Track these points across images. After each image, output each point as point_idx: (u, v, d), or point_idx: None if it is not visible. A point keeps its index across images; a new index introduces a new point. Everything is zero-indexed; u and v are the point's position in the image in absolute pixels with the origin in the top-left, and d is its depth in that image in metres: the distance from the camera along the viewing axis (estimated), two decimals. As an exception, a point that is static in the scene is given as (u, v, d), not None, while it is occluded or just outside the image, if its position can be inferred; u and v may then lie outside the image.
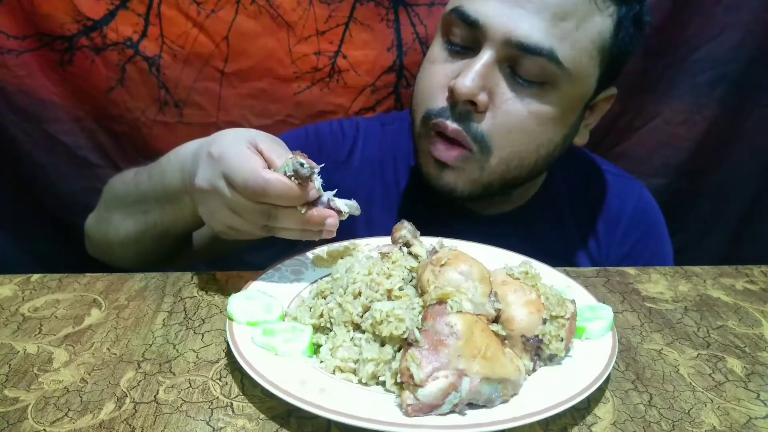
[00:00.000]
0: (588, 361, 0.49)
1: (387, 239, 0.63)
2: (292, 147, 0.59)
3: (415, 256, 0.57)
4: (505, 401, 0.44)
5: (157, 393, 0.47)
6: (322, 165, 0.55)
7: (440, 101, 0.70)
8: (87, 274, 0.66)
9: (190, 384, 0.48)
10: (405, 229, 0.60)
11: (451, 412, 0.42)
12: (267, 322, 0.52)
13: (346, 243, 0.68)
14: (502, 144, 0.70)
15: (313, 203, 0.56)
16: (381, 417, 0.41)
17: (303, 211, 0.55)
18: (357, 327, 0.50)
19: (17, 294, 0.62)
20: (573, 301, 0.51)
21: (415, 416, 0.42)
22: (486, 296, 0.48)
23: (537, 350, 0.48)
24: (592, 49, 0.68)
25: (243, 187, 0.53)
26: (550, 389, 0.45)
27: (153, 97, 1.02)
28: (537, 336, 0.48)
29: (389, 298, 0.51)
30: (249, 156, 0.54)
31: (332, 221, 0.56)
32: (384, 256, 0.56)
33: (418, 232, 0.61)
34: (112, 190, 0.80)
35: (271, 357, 0.47)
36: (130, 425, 0.43)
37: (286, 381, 0.44)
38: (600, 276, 0.71)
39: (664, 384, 0.51)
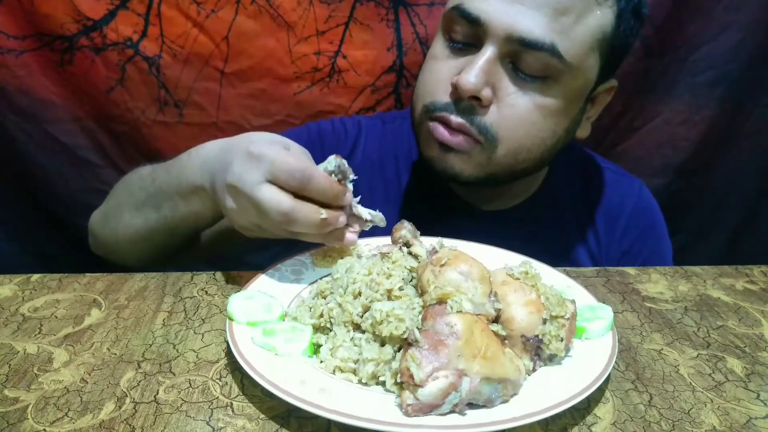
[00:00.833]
0: (588, 361, 0.49)
1: (387, 239, 0.63)
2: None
3: (415, 256, 0.57)
4: (505, 401, 0.44)
5: (157, 393, 0.47)
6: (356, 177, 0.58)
7: (443, 97, 0.71)
8: (87, 274, 0.66)
9: (190, 384, 0.48)
10: (405, 229, 0.60)
11: (451, 412, 0.42)
12: (267, 322, 0.52)
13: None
14: (509, 136, 0.70)
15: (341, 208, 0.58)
16: (381, 417, 0.41)
17: (323, 215, 0.56)
18: (357, 327, 0.50)
19: (17, 294, 0.62)
20: (573, 301, 0.51)
21: (415, 416, 0.42)
22: (486, 296, 0.48)
23: (537, 350, 0.48)
24: (592, 41, 0.68)
25: (287, 179, 0.54)
26: (550, 389, 0.45)
27: (153, 97, 1.02)
28: (537, 336, 0.48)
29: (389, 298, 0.51)
30: (289, 154, 0.56)
31: (351, 237, 0.60)
32: (384, 256, 0.56)
33: (418, 232, 0.61)
34: (125, 185, 0.80)
35: (271, 357, 0.47)
36: (130, 425, 0.43)
37: (286, 381, 0.44)
38: (600, 276, 0.71)
39: (664, 384, 0.51)
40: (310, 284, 0.61)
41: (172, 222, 0.71)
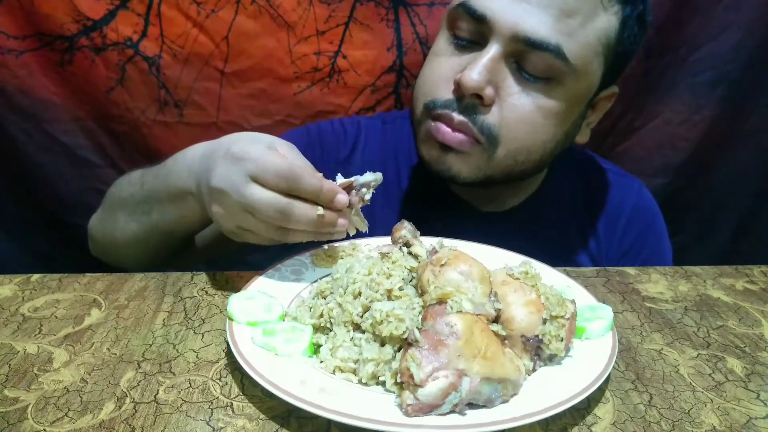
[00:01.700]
0: (588, 361, 0.49)
1: (387, 239, 0.63)
2: (295, 145, 0.59)
3: (415, 256, 0.57)
4: (505, 401, 0.44)
5: (157, 393, 0.47)
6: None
7: (445, 93, 0.70)
8: (87, 274, 0.66)
9: (190, 384, 0.48)
10: (405, 229, 0.60)
11: (451, 412, 0.42)
12: (267, 322, 0.52)
13: (346, 243, 0.68)
14: (510, 136, 0.70)
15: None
16: (381, 417, 0.41)
17: (320, 212, 0.55)
18: (357, 327, 0.50)
19: (17, 294, 0.62)
20: (573, 301, 0.51)
21: (415, 416, 0.42)
22: (486, 296, 0.48)
23: (537, 350, 0.48)
24: (597, 46, 0.68)
25: (274, 179, 0.53)
26: (550, 389, 0.45)
27: (153, 97, 1.02)
28: (537, 336, 0.48)
29: (389, 298, 0.51)
30: (275, 153, 0.55)
31: (343, 222, 0.58)
32: (384, 256, 0.56)
33: (418, 232, 0.61)
34: (117, 190, 0.80)
35: (271, 357, 0.47)
36: (130, 425, 0.43)
37: (286, 381, 0.44)
38: (600, 276, 0.71)
39: (664, 384, 0.51)
40: (310, 284, 0.61)
41: (163, 226, 0.70)
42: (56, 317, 0.57)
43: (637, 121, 1.11)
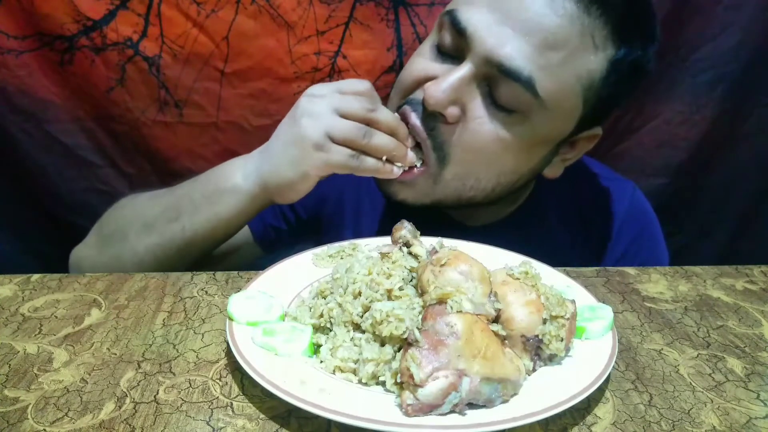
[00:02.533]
0: (588, 361, 0.49)
1: (387, 239, 0.63)
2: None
3: (415, 256, 0.56)
4: (505, 401, 0.44)
5: (157, 393, 0.47)
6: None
7: (418, 94, 0.68)
8: (87, 274, 0.66)
9: (190, 384, 0.48)
10: (405, 229, 0.60)
11: (451, 412, 0.42)
12: (267, 322, 0.52)
13: (346, 243, 0.68)
14: (461, 159, 0.68)
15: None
16: (381, 417, 0.41)
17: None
18: (357, 327, 0.50)
19: (17, 294, 0.62)
20: (573, 301, 0.51)
21: (415, 416, 0.42)
22: (486, 296, 0.48)
23: (537, 350, 0.48)
24: (576, 86, 0.64)
25: (359, 87, 0.65)
26: (550, 389, 0.45)
27: (153, 97, 1.02)
28: (537, 336, 0.48)
29: (389, 298, 0.51)
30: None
31: (411, 155, 0.68)
32: (384, 256, 0.56)
33: (418, 232, 0.61)
34: (124, 210, 0.80)
35: (271, 357, 0.47)
36: (130, 425, 0.43)
37: (286, 381, 0.44)
38: (600, 276, 0.71)
39: (664, 384, 0.51)
40: (310, 284, 0.61)
41: (189, 231, 0.71)
42: (56, 317, 0.57)
43: (637, 121, 1.11)
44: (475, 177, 0.70)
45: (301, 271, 0.63)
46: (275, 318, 0.53)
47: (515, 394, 0.44)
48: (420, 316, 0.46)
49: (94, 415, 0.44)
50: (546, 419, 0.43)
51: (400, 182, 0.70)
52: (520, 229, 0.82)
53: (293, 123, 0.65)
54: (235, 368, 0.50)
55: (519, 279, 0.51)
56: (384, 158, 0.66)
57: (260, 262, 0.70)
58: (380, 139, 0.64)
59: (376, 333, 0.48)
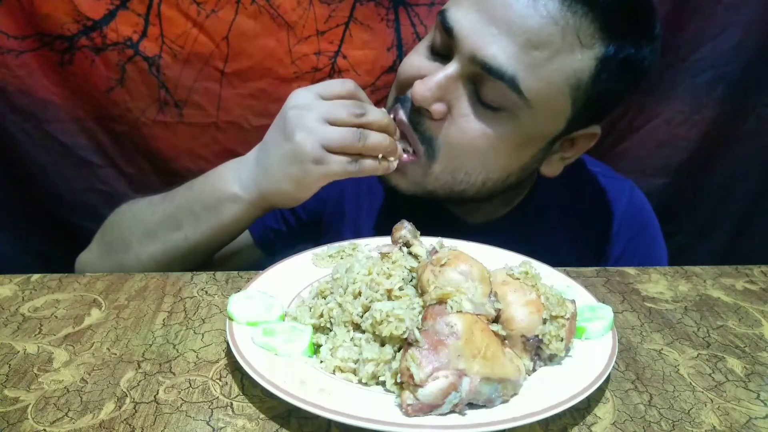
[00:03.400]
0: (588, 361, 0.49)
1: (387, 239, 0.63)
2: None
3: (415, 256, 0.56)
4: (505, 401, 0.44)
5: (157, 393, 0.47)
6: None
7: (410, 91, 0.69)
8: (87, 274, 0.66)
9: (190, 384, 0.48)
10: (405, 229, 0.60)
11: (451, 412, 0.42)
12: (267, 322, 0.52)
13: (346, 243, 0.68)
14: (449, 154, 0.69)
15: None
16: (381, 417, 0.41)
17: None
18: (357, 327, 0.50)
19: (17, 294, 0.62)
20: (573, 301, 0.51)
21: (415, 416, 0.42)
22: (486, 296, 0.48)
23: (537, 350, 0.48)
24: (562, 85, 0.64)
25: (340, 90, 0.65)
26: (550, 389, 0.45)
27: (153, 97, 1.02)
28: (537, 336, 0.48)
29: (389, 298, 0.51)
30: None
31: (401, 149, 0.69)
32: (384, 256, 0.56)
33: (418, 232, 0.61)
34: (124, 218, 0.80)
35: (271, 357, 0.47)
36: (130, 425, 0.43)
37: (286, 381, 0.44)
38: (600, 276, 0.71)
39: (664, 384, 0.51)
40: (310, 284, 0.61)
41: (192, 239, 0.71)
42: (56, 317, 0.57)
43: (637, 120, 1.11)
44: (465, 172, 0.71)
45: (301, 271, 0.63)
46: (275, 318, 0.53)
47: (515, 394, 0.44)
48: (420, 316, 0.46)
49: (94, 415, 0.44)
50: (546, 419, 0.43)
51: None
52: (520, 226, 0.83)
53: (286, 138, 0.64)
54: (235, 368, 0.50)
55: (519, 279, 0.51)
56: (380, 156, 0.66)
57: (260, 263, 0.70)
58: (374, 139, 0.65)
59: (376, 333, 0.48)
